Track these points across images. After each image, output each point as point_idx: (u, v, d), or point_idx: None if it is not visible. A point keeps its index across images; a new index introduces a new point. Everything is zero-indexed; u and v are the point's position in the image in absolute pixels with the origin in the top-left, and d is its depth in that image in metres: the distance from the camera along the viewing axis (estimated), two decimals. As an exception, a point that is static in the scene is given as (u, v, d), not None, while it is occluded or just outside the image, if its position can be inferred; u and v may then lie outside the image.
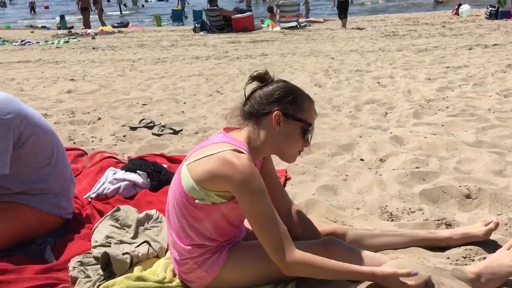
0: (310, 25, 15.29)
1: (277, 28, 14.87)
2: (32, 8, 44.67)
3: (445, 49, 8.36)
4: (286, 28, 14.64)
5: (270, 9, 17.39)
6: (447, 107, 4.48)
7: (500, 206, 2.44)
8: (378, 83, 5.88)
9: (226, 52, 10.22)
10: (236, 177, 1.55)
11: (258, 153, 1.73)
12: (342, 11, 14.17)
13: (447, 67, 6.56)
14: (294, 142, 1.72)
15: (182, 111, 5.06)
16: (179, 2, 28.84)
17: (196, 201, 1.63)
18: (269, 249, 1.59)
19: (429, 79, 5.85)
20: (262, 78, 1.74)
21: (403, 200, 2.57)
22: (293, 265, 1.57)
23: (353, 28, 13.50)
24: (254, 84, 1.76)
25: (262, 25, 16.13)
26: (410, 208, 2.46)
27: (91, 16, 20.83)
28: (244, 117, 1.73)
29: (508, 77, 5.61)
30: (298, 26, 14.90)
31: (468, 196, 2.58)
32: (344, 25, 14.14)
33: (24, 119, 2.08)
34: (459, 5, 14.81)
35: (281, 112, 1.67)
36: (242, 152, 1.61)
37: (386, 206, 2.52)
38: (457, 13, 14.24)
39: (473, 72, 6.04)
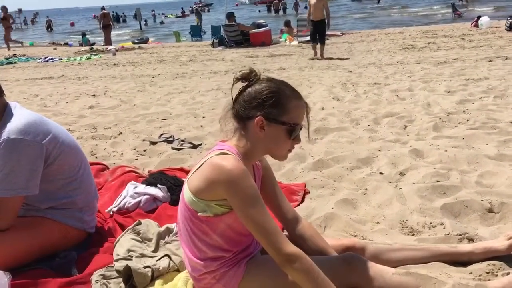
0: (328, 39, 15.28)
1: (295, 42, 14.94)
2: (49, 26, 45.87)
3: (464, 61, 8.28)
4: (303, 42, 14.69)
5: (287, 23, 17.50)
6: (467, 120, 4.43)
7: (523, 220, 2.40)
8: (397, 96, 5.86)
9: (244, 66, 10.27)
10: (223, 177, 1.57)
11: (250, 156, 1.74)
12: (315, 35, 10.83)
13: (467, 80, 6.50)
14: (281, 144, 1.71)
15: (201, 126, 5.12)
16: (198, 17, 29.37)
17: (199, 214, 1.66)
18: (265, 243, 1.59)
19: (448, 92, 5.80)
20: (247, 78, 1.73)
21: (424, 214, 2.55)
22: (290, 259, 1.56)
23: (331, 58, 10.38)
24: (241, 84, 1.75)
25: (280, 40, 16.21)
26: (431, 223, 2.43)
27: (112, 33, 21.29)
28: (234, 120, 1.75)
29: (530, 89, 5.54)
30: (316, 40, 14.94)
31: (490, 210, 2.54)
32: (320, 53, 10.68)
33: (53, 140, 2.14)
34: (479, 17, 14.67)
35: (263, 117, 1.67)
36: (228, 154, 1.64)
37: (406, 220, 2.50)
38: (476, 25, 14.10)
39: (494, 85, 5.97)
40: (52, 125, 2.23)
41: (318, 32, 10.77)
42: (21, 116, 2.12)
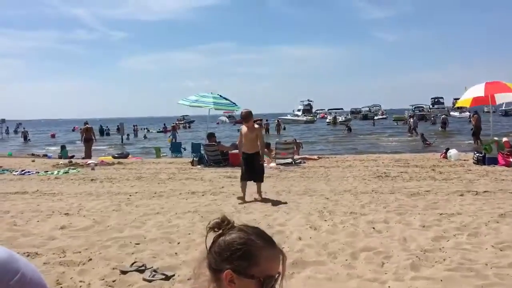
0: (305, 162, 15.78)
1: (273, 164, 15.31)
2: (25, 137, 46.59)
3: (436, 194, 8.53)
4: (281, 164, 15.07)
5: (267, 145, 18.08)
6: (444, 259, 4.44)
7: None
8: (373, 228, 5.90)
9: (222, 187, 10.38)
10: None
11: None
12: (247, 171, 8.73)
13: (441, 214, 6.63)
14: None
15: (176, 253, 4.98)
16: (172, 136, 30.43)
17: None
18: None
19: (423, 226, 5.88)
20: (219, 227, 1.68)
21: None
22: None
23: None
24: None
25: (259, 161, 16.60)
26: None
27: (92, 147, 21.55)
28: (208, 270, 1.70)
29: (502, 228, 5.66)
30: (293, 162, 15.38)
31: None
32: (257, 191, 8.68)
33: (19, 279, 2.03)
34: (447, 149, 15.47)
35: (232, 271, 1.60)
36: None
37: None
38: (445, 157, 14.81)
39: (467, 221, 6.09)
40: (21, 263, 2.12)
41: (252, 168, 8.65)
42: None
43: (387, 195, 8.58)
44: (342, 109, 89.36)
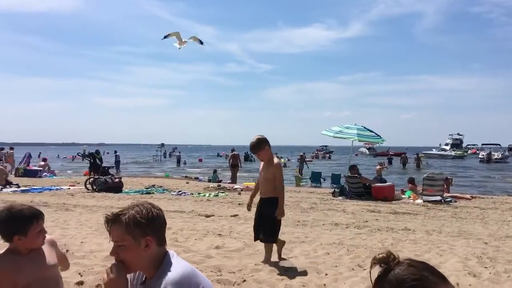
0: (456, 201, 14.59)
1: (419, 201, 14.46)
2: (178, 160, 51.40)
3: None
4: (429, 202, 14.16)
5: (411, 180, 17.19)
6: None
7: None
8: (547, 282, 5.19)
9: (366, 221, 10.11)
10: None
11: None
12: (259, 222, 6.05)
13: None
14: None
15: (324, 284, 4.98)
16: (298, 167, 30.53)
17: None
18: None
19: None
20: (386, 263, 1.63)
21: None
22: None
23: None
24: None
25: (403, 196, 15.84)
26: None
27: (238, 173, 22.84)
28: None
29: None
30: (443, 201, 14.33)
31: None
32: (265, 253, 6.07)
33: None
34: None
35: None
36: None
37: None
38: None
39: None
40: (201, 279, 2.36)
41: (264, 219, 5.93)
42: (178, 268, 2.28)
43: (562, 245, 7.48)
44: (499, 144, 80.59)
